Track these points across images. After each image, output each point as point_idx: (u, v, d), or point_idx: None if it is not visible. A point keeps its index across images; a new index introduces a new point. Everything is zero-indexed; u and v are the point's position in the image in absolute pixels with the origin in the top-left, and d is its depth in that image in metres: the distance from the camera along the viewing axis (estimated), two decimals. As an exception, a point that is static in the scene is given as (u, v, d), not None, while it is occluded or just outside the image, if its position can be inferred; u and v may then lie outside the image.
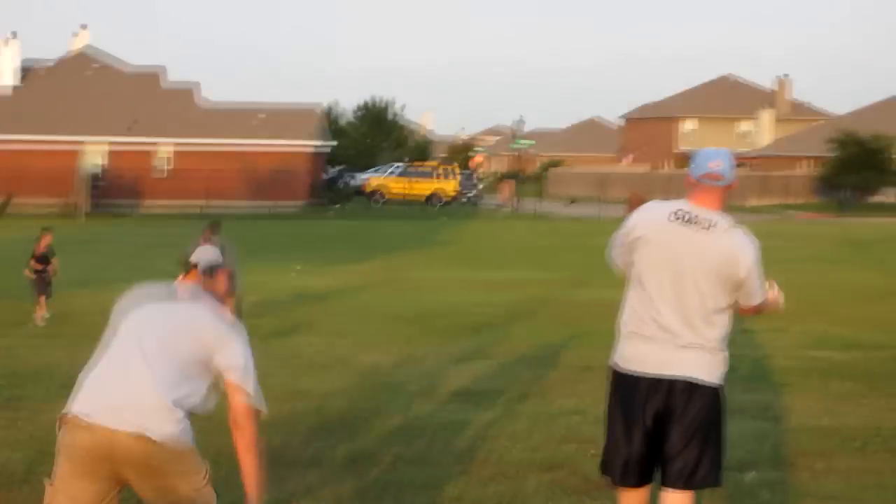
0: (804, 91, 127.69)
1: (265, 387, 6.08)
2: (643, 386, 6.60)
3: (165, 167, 69.70)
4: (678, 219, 6.61)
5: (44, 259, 20.35)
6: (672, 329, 6.56)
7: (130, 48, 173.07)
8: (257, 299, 22.50)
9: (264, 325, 18.39)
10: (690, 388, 6.54)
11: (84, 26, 79.39)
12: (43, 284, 20.21)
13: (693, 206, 6.63)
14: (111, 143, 69.02)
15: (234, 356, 5.90)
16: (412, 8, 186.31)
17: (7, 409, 12.17)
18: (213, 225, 18.62)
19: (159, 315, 5.94)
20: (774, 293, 6.88)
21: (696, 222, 6.58)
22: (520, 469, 9.61)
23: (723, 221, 6.59)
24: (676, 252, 6.59)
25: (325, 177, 79.97)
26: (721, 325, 6.64)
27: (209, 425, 6.70)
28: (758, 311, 6.86)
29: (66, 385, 6.54)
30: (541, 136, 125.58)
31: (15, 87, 71.65)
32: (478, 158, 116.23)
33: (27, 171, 64.96)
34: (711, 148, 6.85)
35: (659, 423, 6.58)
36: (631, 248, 6.74)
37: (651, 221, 6.73)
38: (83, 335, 18.23)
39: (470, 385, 13.75)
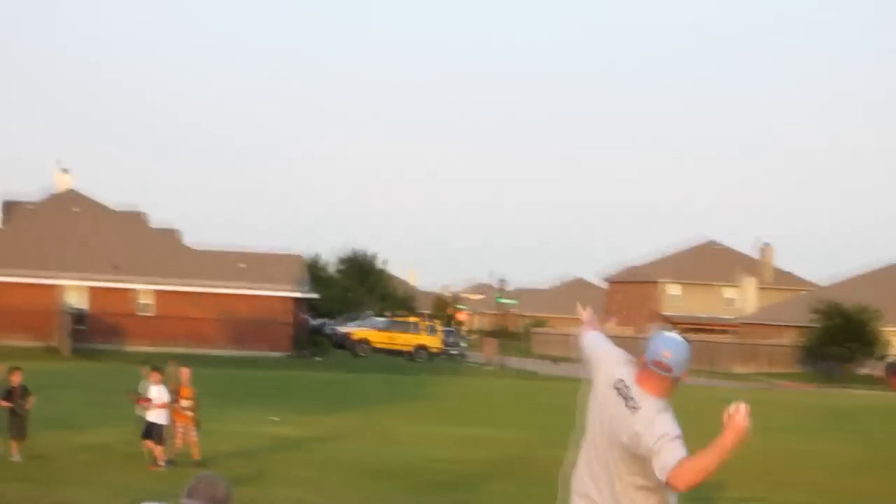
0: (787, 259, 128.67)
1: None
2: None
3: (147, 310, 69.44)
4: (617, 389, 6.57)
5: (13, 394, 20.10)
6: (593, 497, 6.56)
7: (111, 189, 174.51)
8: (229, 448, 22.18)
9: (229, 473, 17.97)
10: None
11: (65, 170, 79.31)
12: (18, 424, 19.95)
13: (634, 384, 6.54)
14: (93, 284, 68.84)
15: None
16: (399, 162, 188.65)
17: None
18: (155, 367, 20.86)
19: None
20: (737, 421, 6.08)
21: (627, 399, 6.50)
22: None
23: (650, 405, 6.42)
24: (606, 419, 6.60)
25: (308, 325, 79.87)
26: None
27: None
28: (708, 464, 6.12)
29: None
30: (525, 295, 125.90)
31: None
32: (462, 315, 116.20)
33: (8, 308, 64.74)
34: (672, 336, 6.62)
35: None
36: (587, 366, 6.93)
37: (603, 372, 6.77)
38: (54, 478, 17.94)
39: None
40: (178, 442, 20.60)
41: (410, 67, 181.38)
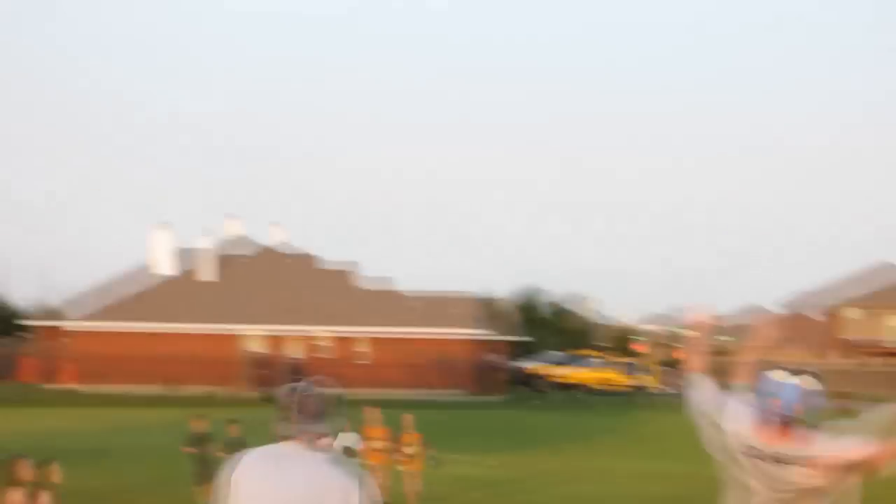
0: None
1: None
2: None
3: (364, 358, 70.06)
4: (757, 458, 6.37)
5: (203, 441, 20.41)
6: None
7: (279, 236, 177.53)
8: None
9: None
10: None
11: (239, 217, 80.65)
12: (205, 469, 20.21)
13: (766, 443, 6.33)
14: (272, 331, 69.83)
15: None
16: (571, 197, 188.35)
17: None
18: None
19: None
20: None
21: (776, 460, 6.31)
22: None
23: (799, 453, 6.24)
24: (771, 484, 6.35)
25: (487, 364, 79.81)
26: None
27: None
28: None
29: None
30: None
31: (175, 273, 73.31)
32: (643, 347, 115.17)
33: (223, 358, 66.03)
34: (784, 380, 6.31)
35: None
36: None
37: (731, 438, 6.49)
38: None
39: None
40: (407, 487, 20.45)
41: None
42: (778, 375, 6.29)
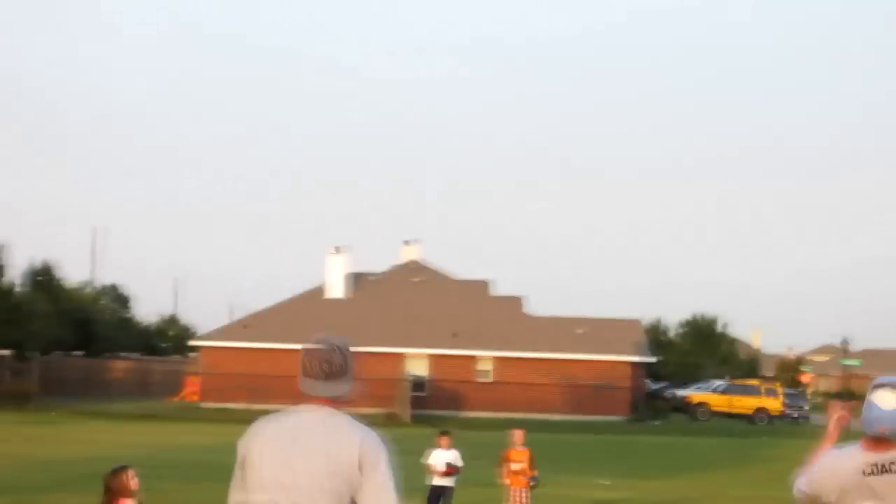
0: None
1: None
2: None
3: (486, 377, 70.43)
4: (875, 472, 6.10)
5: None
6: None
7: (455, 261, 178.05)
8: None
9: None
10: None
11: (409, 241, 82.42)
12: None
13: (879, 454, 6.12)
14: (434, 352, 70.43)
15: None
16: (742, 223, 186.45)
17: None
18: (443, 433, 20.95)
19: None
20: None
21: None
22: None
23: None
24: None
25: (647, 389, 79.51)
26: None
27: None
28: None
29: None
30: (873, 355, 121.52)
31: (342, 296, 74.52)
32: (806, 377, 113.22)
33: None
34: (885, 405, 6.14)
35: None
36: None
37: (842, 479, 6.16)
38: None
39: None
40: None
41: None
42: (882, 398, 6.13)
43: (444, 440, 20.73)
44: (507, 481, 20.15)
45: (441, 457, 20.35)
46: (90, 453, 33.63)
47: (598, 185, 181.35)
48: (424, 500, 20.20)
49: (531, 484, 19.98)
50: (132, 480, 10.81)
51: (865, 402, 6.19)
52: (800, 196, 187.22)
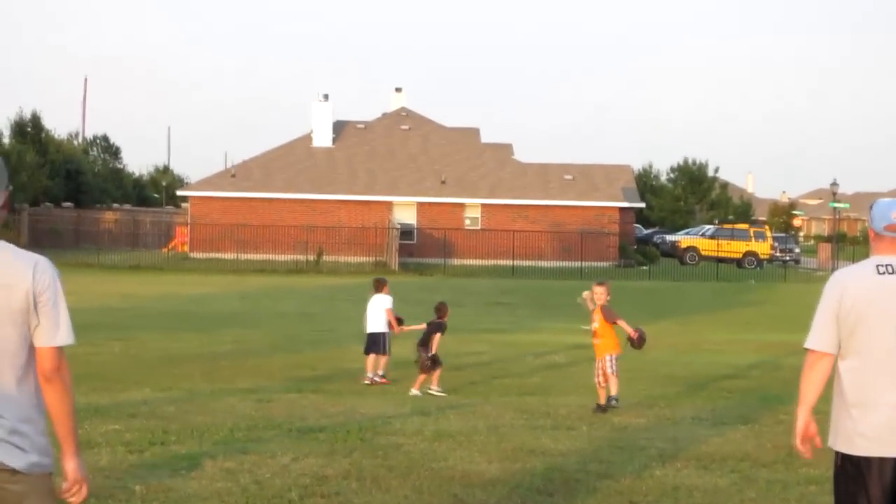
0: None
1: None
2: (874, 467, 5.98)
3: (476, 225, 70.30)
4: (885, 272, 6.00)
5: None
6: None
7: (444, 109, 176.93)
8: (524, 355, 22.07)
9: (512, 384, 18.09)
10: None
11: (399, 89, 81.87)
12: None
13: (886, 256, 6.04)
14: (421, 200, 70.23)
15: None
16: (736, 64, 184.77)
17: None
18: (377, 280, 20.81)
19: None
20: None
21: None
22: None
23: None
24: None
25: (637, 236, 79.57)
26: None
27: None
28: None
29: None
30: (865, 199, 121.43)
31: (330, 144, 74.08)
32: (798, 221, 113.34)
33: (338, 224, 67.26)
34: (889, 199, 6.14)
35: None
36: (843, 322, 6.04)
37: (858, 284, 6.04)
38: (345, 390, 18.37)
39: (715, 450, 12.90)
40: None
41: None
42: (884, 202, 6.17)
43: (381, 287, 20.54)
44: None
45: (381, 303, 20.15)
46: (79, 304, 33.55)
47: (586, 25, 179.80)
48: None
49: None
50: None
51: (872, 204, 6.20)
52: (795, 37, 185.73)
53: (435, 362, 18.38)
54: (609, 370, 16.10)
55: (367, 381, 19.53)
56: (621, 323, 16.47)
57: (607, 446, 13.12)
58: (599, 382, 16.19)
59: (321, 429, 13.58)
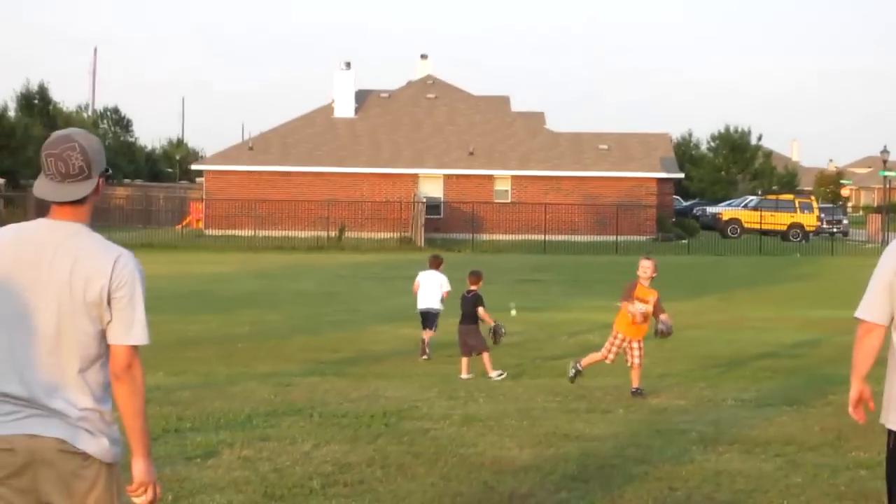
0: None
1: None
2: None
3: (505, 198, 70.15)
4: None
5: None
6: None
7: (473, 78, 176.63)
8: (552, 334, 21.97)
9: (545, 365, 18.24)
10: None
11: (425, 56, 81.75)
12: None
13: None
14: (448, 174, 70.14)
15: None
16: (776, 32, 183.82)
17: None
18: (434, 257, 21.35)
19: None
20: None
21: None
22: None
23: None
24: None
25: (676, 208, 79.34)
26: None
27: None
28: None
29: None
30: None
31: (352, 115, 74.08)
32: (846, 190, 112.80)
33: (361, 198, 67.32)
34: None
35: None
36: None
37: None
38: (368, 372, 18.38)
39: (758, 433, 12.87)
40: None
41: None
42: None
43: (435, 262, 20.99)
44: (616, 330, 16.35)
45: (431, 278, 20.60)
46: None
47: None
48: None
49: (662, 331, 16.21)
50: None
51: None
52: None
53: (498, 332, 18.54)
54: (638, 358, 16.05)
55: (424, 357, 20.13)
56: (664, 317, 16.27)
57: (645, 430, 13.12)
58: (633, 364, 16.09)
59: (344, 414, 13.60)
